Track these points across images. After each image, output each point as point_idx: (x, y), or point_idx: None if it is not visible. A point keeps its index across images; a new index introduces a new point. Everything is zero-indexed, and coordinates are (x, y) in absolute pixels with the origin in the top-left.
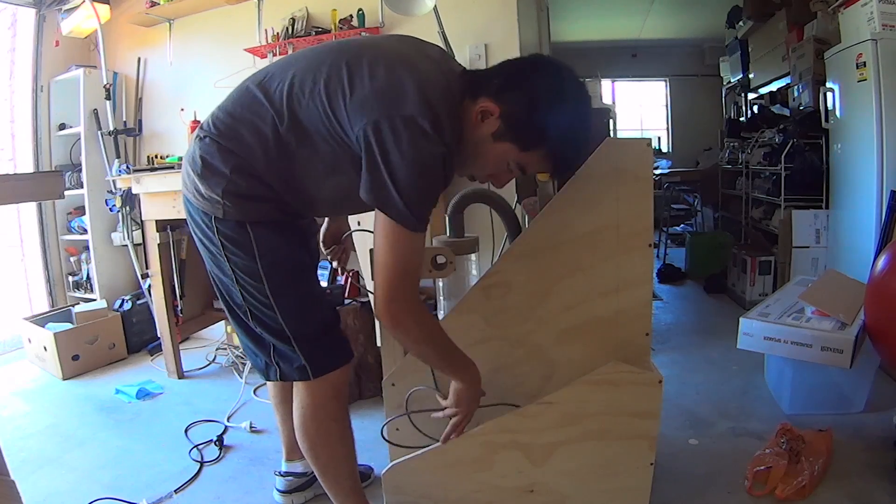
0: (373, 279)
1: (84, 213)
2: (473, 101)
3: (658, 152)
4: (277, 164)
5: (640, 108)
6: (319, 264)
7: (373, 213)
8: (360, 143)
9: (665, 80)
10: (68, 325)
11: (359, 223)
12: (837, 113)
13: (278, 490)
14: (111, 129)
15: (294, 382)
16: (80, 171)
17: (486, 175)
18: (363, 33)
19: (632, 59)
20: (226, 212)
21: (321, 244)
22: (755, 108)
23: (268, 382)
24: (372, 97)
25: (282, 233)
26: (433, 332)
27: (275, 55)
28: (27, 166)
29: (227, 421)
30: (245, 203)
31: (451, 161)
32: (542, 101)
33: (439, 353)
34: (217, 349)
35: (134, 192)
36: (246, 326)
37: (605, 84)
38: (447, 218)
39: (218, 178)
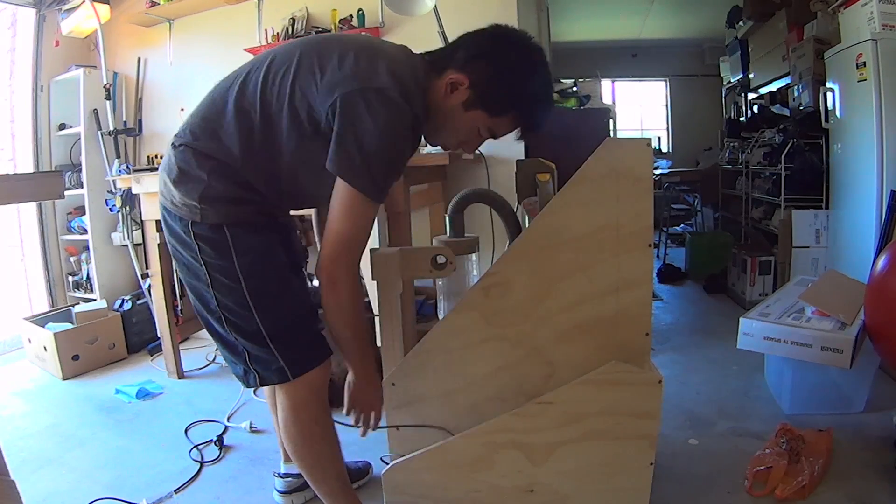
0: (320, 241)
1: (84, 213)
2: (440, 75)
3: (658, 152)
4: (254, 159)
5: (640, 108)
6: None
7: None
8: (331, 115)
9: (665, 80)
10: (68, 325)
11: None
12: (837, 113)
13: (278, 490)
14: (111, 129)
15: (274, 387)
16: (80, 171)
17: (457, 142)
18: (363, 34)
19: (632, 59)
20: (203, 215)
21: (316, 236)
22: (755, 108)
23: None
24: (342, 76)
25: (259, 232)
26: (356, 306)
27: None
28: (27, 166)
29: (227, 421)
30: (222, 206)
31: (419, 128)
32: (508, 68)
33: (354, 329)
34: (217, 349)
35: (134, 192)
36: (220, 336)
37: (605, 84)
38: (447, 218)
39: (194, 184)
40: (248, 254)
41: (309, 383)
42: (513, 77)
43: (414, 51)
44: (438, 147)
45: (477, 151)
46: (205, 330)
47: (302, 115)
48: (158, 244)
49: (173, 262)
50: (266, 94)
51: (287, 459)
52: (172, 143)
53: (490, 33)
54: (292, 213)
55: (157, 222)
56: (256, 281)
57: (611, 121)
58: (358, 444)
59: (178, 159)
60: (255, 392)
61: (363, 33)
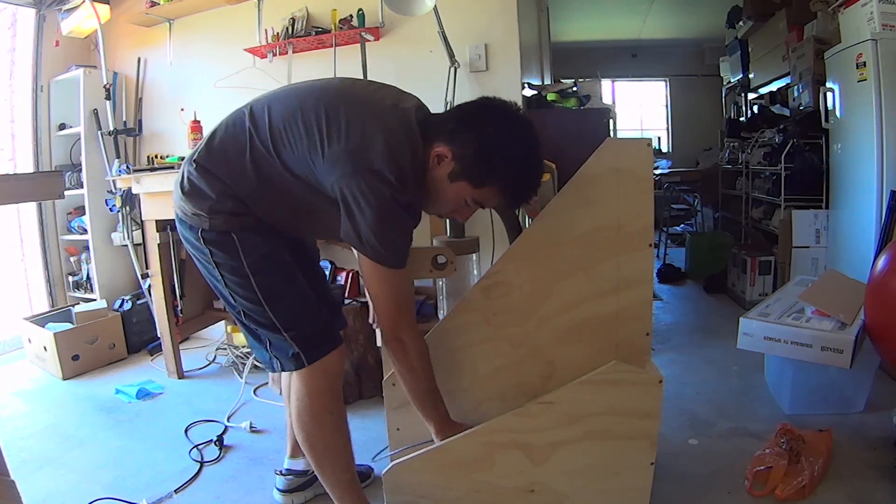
0: (374, 313)
1: (84, 213)
2: (430, 145)
3: (658, 152)
4: (260, 193)
5: (640, 108)
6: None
7: None
8: (335, 192)
9: (665, 80)
10: (68, 325)
11: None
12: (837, 113)
13: (278, 489)
14: (111, 129)
15: (291, 376)
16: (80, 171)
17: (448, 211)
18: (363, 33)
19: (632, 59)
20: (212, 224)
21: None
22: (755, 108)
23: (281, 377)
24: (346, 154)
25: (264, 235)
26: (426, 362)
27: (275, 55)
28: (27, 166)
29: (227, 421)
30: (229, 218)
31: (415, 207)
32: (490, 141)
33: (428, 382)
34: (217, 349)
35: (134, 192)
36: (245, 326)
37: (605, 84)
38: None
39: (203, 200)
40: (254, 253)
41: (324, 371)
42: (493, 150)
43: (417, 101)
44: None
45: None
46: (205, 330)
47: (306, 169)
48: (158, 244)
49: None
50: (276, 140)
51: (293, 454)
52: (191, 158)
53: (476, 104)
54: None
55: (157, 222)
56: (263, 277)
57: (611, 121)
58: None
59: (192, 175)
60: (255, 392)
61: (371, 81)
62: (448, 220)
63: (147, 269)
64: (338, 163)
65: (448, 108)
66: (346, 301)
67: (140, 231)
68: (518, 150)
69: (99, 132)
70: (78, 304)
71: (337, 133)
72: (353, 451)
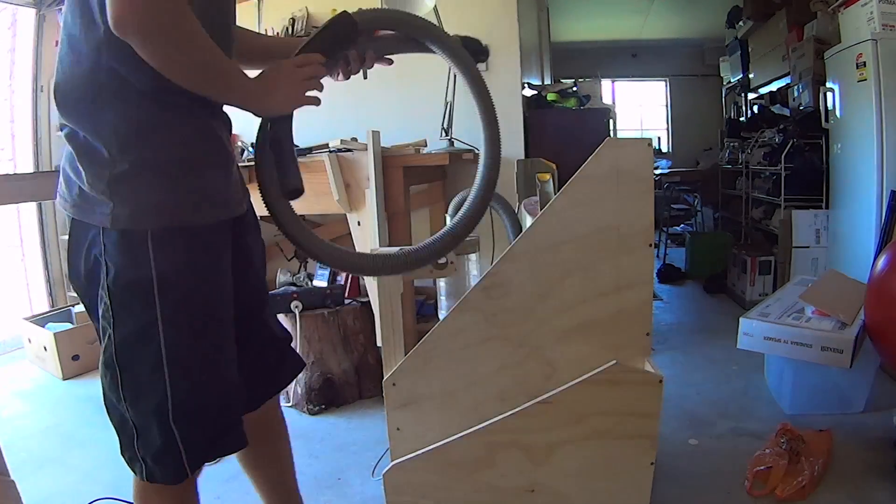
0: None
1: None
2: None
3: (658, 152)
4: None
5: (640, 108)
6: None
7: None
8: None
9: (665, 80)
10: (68, 325)
11: (359, 223)
12: (837, 113)
13: None
14: None
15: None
16: None
17: None
18: None
19: (632, 59)
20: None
21: None
22: (755, 108)
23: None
24: None
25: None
26: (194, 33)
27: None
28: (27, 166)
29: None
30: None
31: None
32: None
33: (204, 64)
34: None
35: None
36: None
37: (605, 84)
38: (448, 218)
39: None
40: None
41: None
42: None
43: None
44: (439, 147)
45: (476, 150)
46: None
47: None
48: None
49: None
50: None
51: None
52: None
53: None
54: None
55: None
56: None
57: (611, 121)
58: (358, 444)
59: None
60: None
61: None
62: (448, 220)
63: None
64: None
65: (448, 109)
66: (347, 301)
67: None
68: None
69: None
70: (78, 304)
71: None
72: None
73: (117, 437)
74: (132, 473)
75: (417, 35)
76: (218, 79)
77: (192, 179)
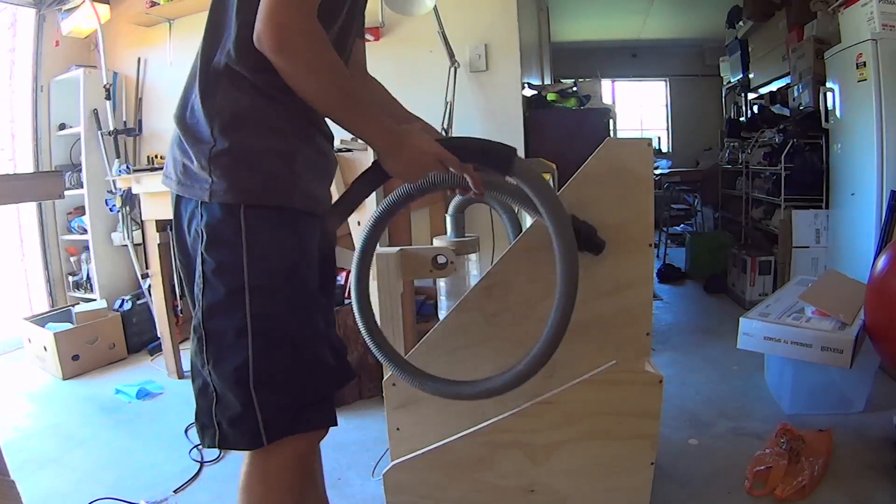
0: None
1: (84, 213)
2: None
3: (658, 152)
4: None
5: (640, 108)
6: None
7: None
8: None
9: (665, 80)
10: (68, 325)
11: (359, 223)
12: (837, 113)
13: None
14: (111, 129)
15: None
16: (80, 171)
17: None
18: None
19: (632, 59)
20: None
21: None
22: (755, 108)
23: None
24: None
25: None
26: (331, 62)
27: None
28: (27, 166)
29: None
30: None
31: None
32: None
33: (338, 89)
34: None
35: (134, 192)
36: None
37: (605, 84)
38: (448, 218)
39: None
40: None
41: (294, 450)
42: None
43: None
44: None
45: None
46: None
47: None
48: (158, 244)
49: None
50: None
51: None
52: None
53: None
54: None
55: (157, 222)
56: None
57: (611, 121)
58: (358, 444)
59: None
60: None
61: None
62: (449, 220)
63: (147, 269)
64: None
65: (448, 109)
66: (346, 301)
67: (140, 231)
68: None
69: (99, 132)
70: (78, 304)
71: None
72: None
73: (195, 404)
74: (212, 448)
75: (542, 208)
76: (356, 108)
77: (288, 171)
